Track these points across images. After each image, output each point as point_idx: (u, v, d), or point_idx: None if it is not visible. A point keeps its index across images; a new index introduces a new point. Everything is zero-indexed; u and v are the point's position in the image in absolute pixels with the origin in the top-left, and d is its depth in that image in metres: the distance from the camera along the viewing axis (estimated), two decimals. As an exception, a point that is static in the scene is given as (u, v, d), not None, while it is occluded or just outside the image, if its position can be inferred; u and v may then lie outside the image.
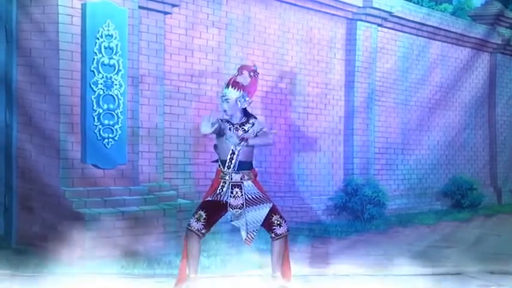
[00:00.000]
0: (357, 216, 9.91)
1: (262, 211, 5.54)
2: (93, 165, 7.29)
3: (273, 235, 5.57)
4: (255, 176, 5.65)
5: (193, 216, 5.52)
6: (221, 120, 5.60)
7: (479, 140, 12.82)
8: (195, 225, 5.49)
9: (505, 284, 6.72)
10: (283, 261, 5.65)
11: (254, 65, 5.71)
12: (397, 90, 11.12)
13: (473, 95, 12.61)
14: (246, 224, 5.53)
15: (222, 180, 5.57)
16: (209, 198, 5.57)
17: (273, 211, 5.58)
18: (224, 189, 5.55)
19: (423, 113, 11.58)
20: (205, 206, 5.54)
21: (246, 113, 5.66)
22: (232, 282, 6.67)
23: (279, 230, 5.57)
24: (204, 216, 5.49)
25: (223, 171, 5.56)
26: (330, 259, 7.61)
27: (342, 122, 10.35)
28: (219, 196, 5.55)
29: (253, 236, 5.57)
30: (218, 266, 7.25)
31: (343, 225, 9.65)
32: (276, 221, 5.56)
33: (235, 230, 5.75)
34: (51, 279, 6.36)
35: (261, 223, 5.55)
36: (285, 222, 5.60)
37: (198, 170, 8.38)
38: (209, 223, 5.52)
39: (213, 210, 5.53)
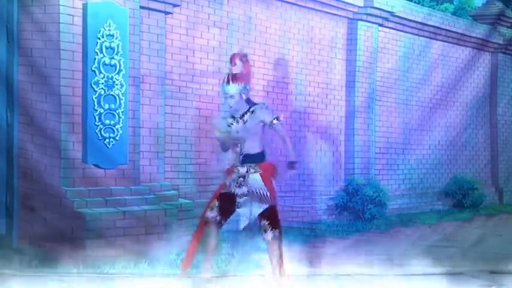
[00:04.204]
0: (357, 216, 9.91)
1: (257, 210, 5.58)
2: (94, 165, 7.29)
3: (262, 237, 5.63)
4: (268, 169, 5.65)
5: (207, 209, 5.59)
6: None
7: (480, 139, 12.82)
8: (209, 213, 5.61)
9: (506, 284, 6.71)
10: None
11: (241, 50, 5.77)
12: (398, 90, 11.12)
13: (475, 95, 12.62)
14: (250, 213, 5.58)
15: (232, 175, 5.66)
16: (222, 191, 5.69)
17: (264, 215, 5.59)
18: (233, 182, 5.64)
19: (424, 112, 11.59)
20: (218, 196, 5.67)
21: (247, 101, 5.66)
22: (233, 282, 6.66)
23: (266, 236, 5.62)
24: (217, 204, 5.61)
25: (235, 165, 5.65)
26: (331, 259, 7.59)
27: (343, 121, 10.35)
28: (229, 188, 5.67)
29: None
30: (219, 265, 7.24)
31: (344, 225, 9.65)
32: (263, 226, 5.60)
33: (236, 230, 5.76)
34: (52, 279, 6.36)
35: (255, 219, 5.62)
36: (271, 229, 5.58)
37: (199, 170, 8.38)
38: (223, 211, 5.60)
39: (225, 199, 5.63)
